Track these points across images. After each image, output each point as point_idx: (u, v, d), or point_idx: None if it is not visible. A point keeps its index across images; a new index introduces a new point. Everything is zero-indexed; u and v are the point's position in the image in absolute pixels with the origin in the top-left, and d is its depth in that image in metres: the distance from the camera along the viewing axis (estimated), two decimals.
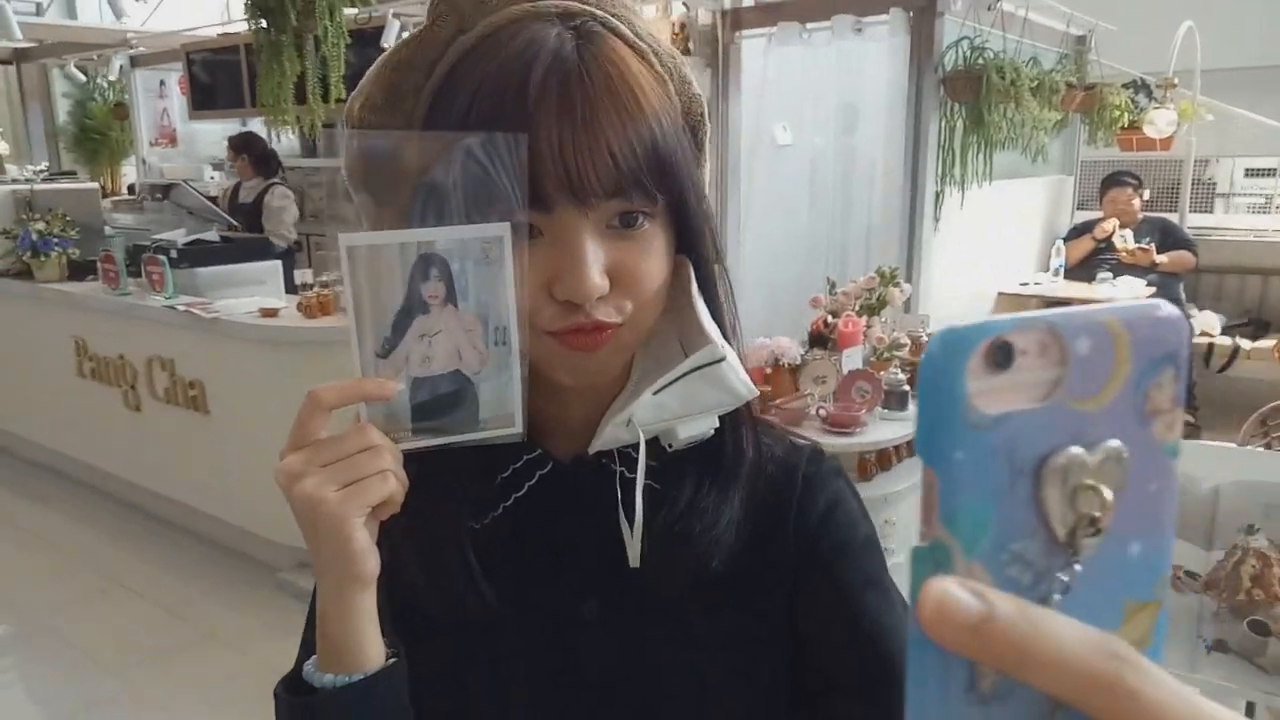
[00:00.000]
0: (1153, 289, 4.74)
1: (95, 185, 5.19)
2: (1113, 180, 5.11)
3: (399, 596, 0.62)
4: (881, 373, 2.81)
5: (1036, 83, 4.08)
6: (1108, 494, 0.24)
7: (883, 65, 3.96)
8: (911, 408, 2.78)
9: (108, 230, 4.61)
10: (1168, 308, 0.25)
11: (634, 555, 0.61)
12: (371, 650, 0.57)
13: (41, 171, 5.24)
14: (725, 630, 0.66)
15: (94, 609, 3.29)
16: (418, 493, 0.60)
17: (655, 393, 0.60)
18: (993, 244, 4.66)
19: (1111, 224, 4.93)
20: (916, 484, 2.52)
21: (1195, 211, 5.74)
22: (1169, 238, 4.95)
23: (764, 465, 0.67)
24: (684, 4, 4.50)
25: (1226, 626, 1.16)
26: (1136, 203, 5.04)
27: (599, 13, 0.58)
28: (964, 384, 0.23)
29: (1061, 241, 5.08)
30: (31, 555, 3.76)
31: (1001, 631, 0.22)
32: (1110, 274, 4.86)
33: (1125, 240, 4.88)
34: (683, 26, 4.47)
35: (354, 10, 3.25)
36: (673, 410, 0.61)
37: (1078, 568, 0.24)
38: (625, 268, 0.57)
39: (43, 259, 4.11)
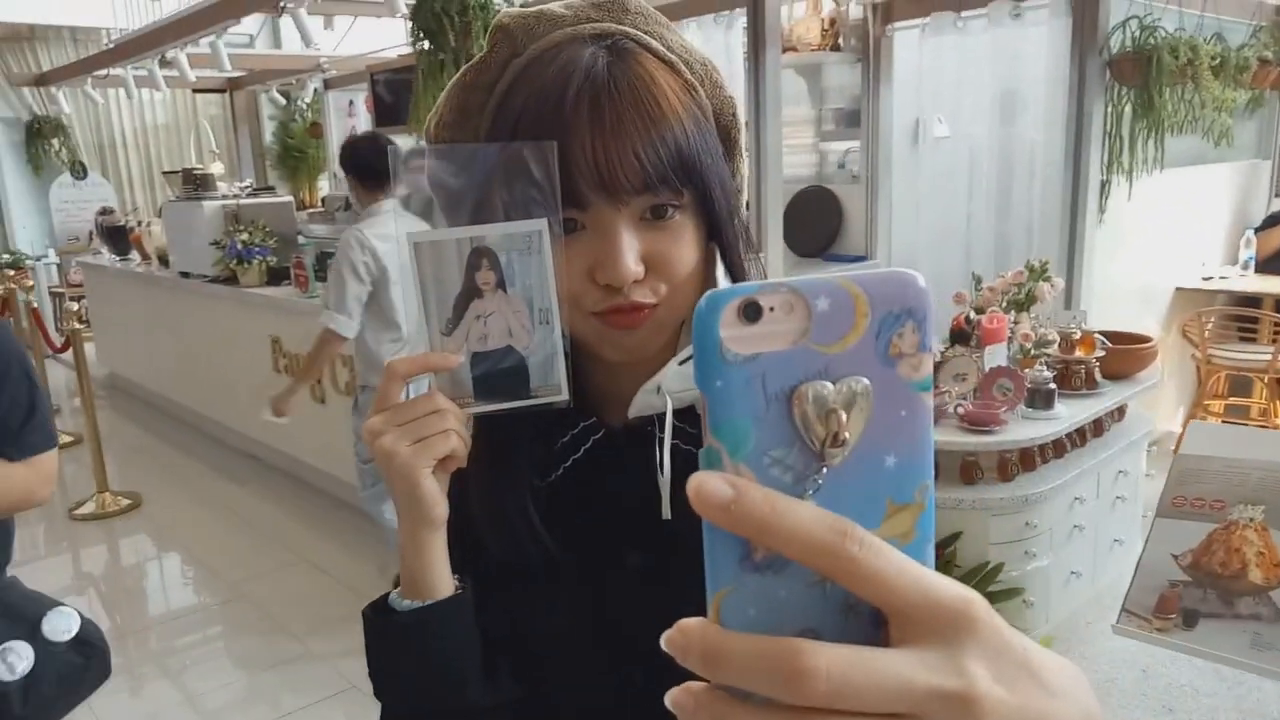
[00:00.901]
0: None
1: (290, 199, 5.73)
2: None
3: (469, 544, 0.72)
4: (1027, 370, 2.72)
5: (1219, 60, 3.79)
6: (844, 415, 0.30)
7: (1043, 50, 3.80)
8: (1059, 407, 2.68)
9: (301, 239, 5.08)
10: (905, 273, 0.30)
11: (666, 508, 0.68)
12: (442, 583, 0.68)
13: (246, 187, 5.85)
14: None
15: (284, 581, 3.67)
16: (489, 454, 0.71)
17: (681, 363, 0.68)
18: (1170, 236, 4.35)
19: None
20: (1062, 485, 2.44)
21: None
22: None
23: None
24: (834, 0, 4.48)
25: None
26: None
27: (632, 31, 0.67)
28: (717, 331, 0.30)
29: (1252, 232, 4.67)
30: (232, 531, 4.23)
31: (745, 510, 0.29)
32: None
33: None
34: (833, 22, 4.44)
35: None
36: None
37: (825, 471, 0.30)
38: (658, 254, 0.65)
39: (246, 266, 4.61)
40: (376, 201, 3.01)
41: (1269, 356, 4.15)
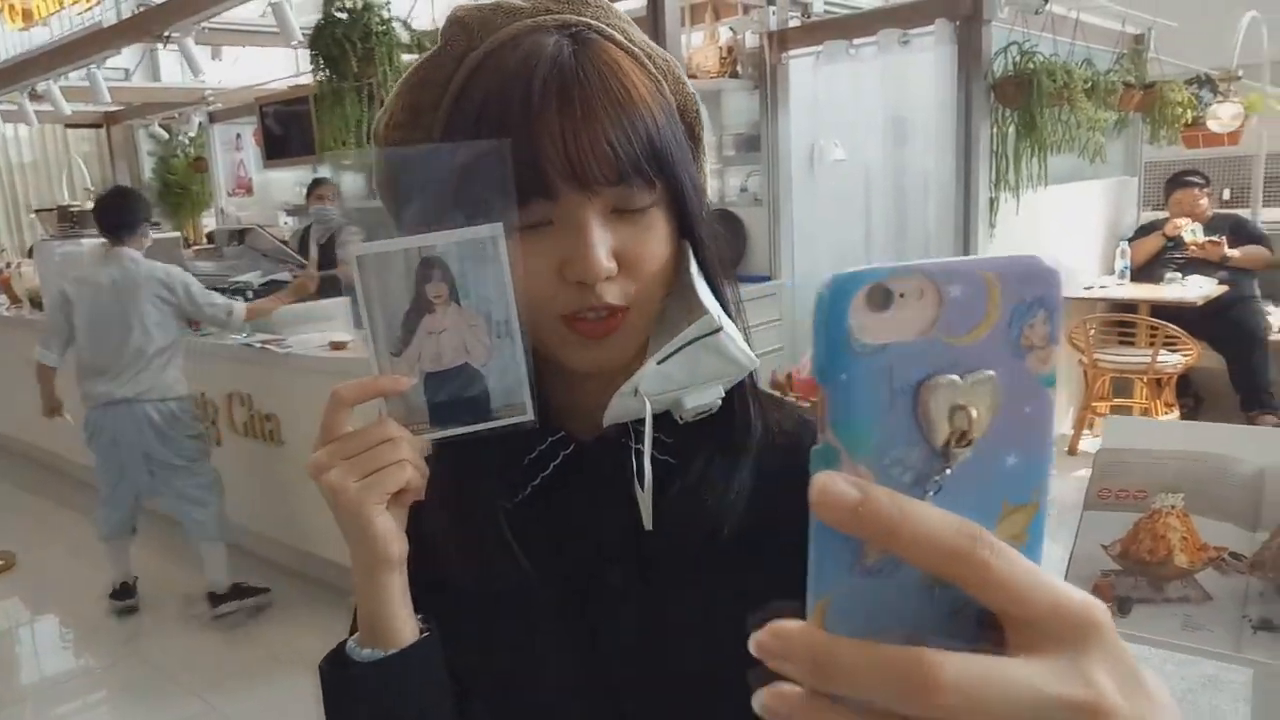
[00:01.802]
0: (1225, 286, 4.60)
1: (177, 234, 5.48)
2: (1177, 181, 4.98)
3: (426, 582, 0.66)
4: None
5: (1090, 84, 4.03)
6: (974, 412, 0.28)
7: (930, 75, 3.97)
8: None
9: None
10: (1040, 260, 0.29)
11: (646, 518, 0.65)
12: (404, 627, 0.62)
13: None
14: (741, 594, 0.69)
15: (175, 634, 3.46)
16: (452, 475, 0.66)
17: (659, 363, 0.63)
18: (1053, 248, 4.58)
19: (1184, 221, 4.80)
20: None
21: (1270, 205, 5.55)
22: (1241, 233, 4.80)
23: (774, 439, 0.71)
24: (730, 29, 4.59)
25: (1273, 606, 1.15)
26: (1204, 202, 4.91)
27: (594, 23, 0.64)
28: (846, 319, 0.28)
29: (1125, 243, 4.96)
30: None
31: (873, 513, 0.27)
32: (1179, 273, 4.73)
33: (1194, 233, 4.75)
34: (730, 50, 4.55)
35: (412, 56, 3.41)
36: (678, 380, 0.64)
37: (948, 472, 0.28)
38: (630, 250, 0.62)
39: None
40: (116, 249, 3.38)
41: (1147, 359, 4.40)
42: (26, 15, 5.93)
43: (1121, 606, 1.25)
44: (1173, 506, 1.29)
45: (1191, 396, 4.97)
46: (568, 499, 0.69)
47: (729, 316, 0.66)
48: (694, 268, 0.65)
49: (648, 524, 0.65)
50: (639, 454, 0.65)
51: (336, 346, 3.40)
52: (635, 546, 0.67)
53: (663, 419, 0.65)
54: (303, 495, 3.61)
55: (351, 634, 0.73)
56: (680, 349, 0.63)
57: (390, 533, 0.59)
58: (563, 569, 0.68)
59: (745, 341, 0.65)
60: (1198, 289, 4.56)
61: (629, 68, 0.62)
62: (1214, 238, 4.71)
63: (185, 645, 3.37)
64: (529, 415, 0.60)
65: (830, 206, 4.50)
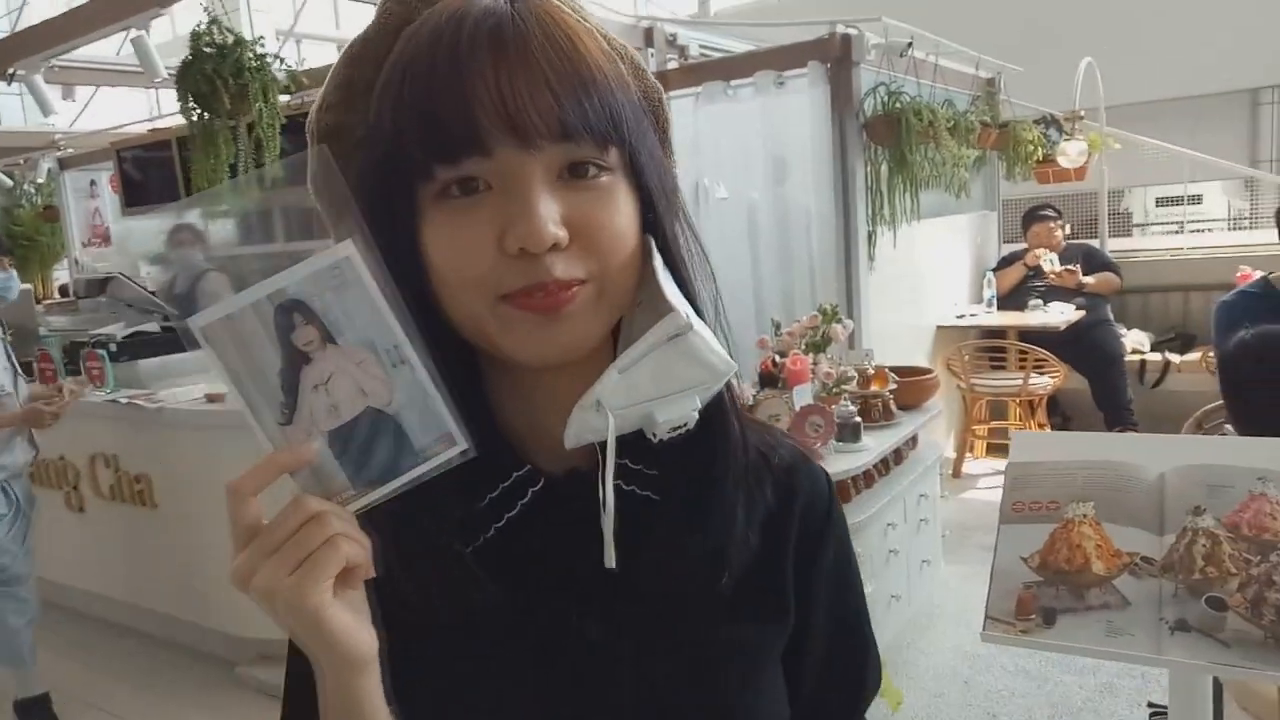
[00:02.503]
0: (1082, 311, 4.92)
1: (28, 286, 5.09)
2: (1033, 215, 5.33)
3: (395, 629, 0.57)
4: (833, 406, 2.86)
5: (953, 123, 4.27)
6: None
7: (806, 115, 4.11)
8: (865, 439, 2.83)
9: (42, 331, 4.51)
10: None
11: (609, 555, 0.58)
12: None
13: None
14: (733, 643, 0.64)
15: None
16: (404, 528, 0.57)
17: (621, 371, 0.56)
18: (927, 279, 4.80)
19: (1042, 252, 5.12)
20: (876, 513, 2.55)
21: (1114, 236, 6.00)
22: (1093, 262, 5.16)
23: (768, 463, 0.66)
24: None
25: (1186, 606, 1.20)
26: (1059, 234, 5.26)
27: None
28: None
29: (991, 273, 5.26)
30: None
31: None
32: (1041, 300, 5.03)
33: (1052, 263, 5.07)
34: None
35: (288, 96, 3.29)
36: (645, 391, 0.56)
37: None
38: (583, 218, 0.53)
39: None
40: None
41: (1019, 382, 4.65)
42: None
43: (1047, 617, 1.28)
44: (1084, 515, 1.34)
45: (1060, 415, 5.27)
46: (537, 542, 0.60)
47: (704, 316, 0.60)
48: (658, 261, 0.58)
49: (609, 561, 0.58)
50: (618, 490, 0.58)
51: (214, 398, 3.21)
52: (613, 595, 0.60)
53: (641, 446, 0.59)
54: (182, 561, 3.37)
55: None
56: (646, 354, 0.56)
57: (349, 626, 0.50)
58: (533, 621, 0.60)
59: (722, 345, 0.59)
60: (1059, 314, 4.86)
61: (576, 26, 0.55)
62: (1070, 266, 5.04)
63: None
64: (462, 444, 0.52)
65: (716, 244, 4.57)
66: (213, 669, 3.28)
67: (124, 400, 3.39)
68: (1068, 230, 5.44)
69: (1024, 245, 5.33)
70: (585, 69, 0.53)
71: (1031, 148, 5.01)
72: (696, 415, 0.58)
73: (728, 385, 0.61)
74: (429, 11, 0.57)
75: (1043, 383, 4.70)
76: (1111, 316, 5.12)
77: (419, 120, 0.52)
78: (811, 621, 0.69)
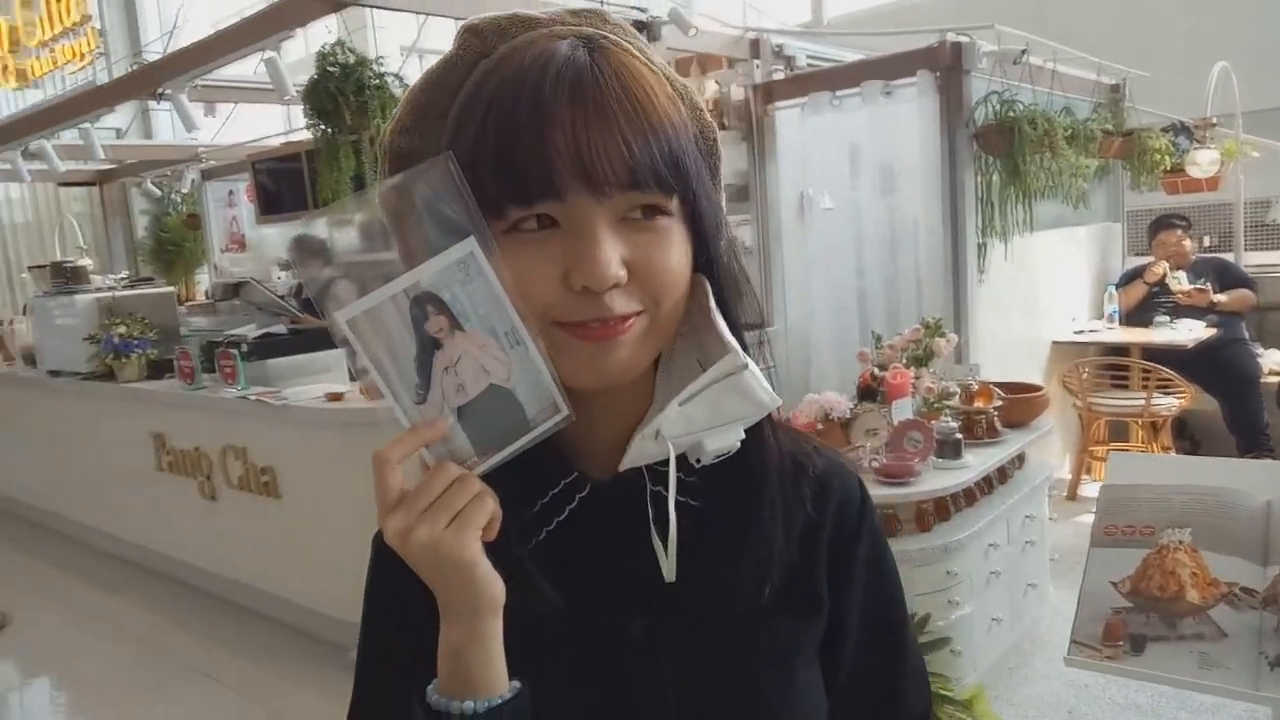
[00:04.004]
0: (1214, 329, 4.65)
1: (171, 289, 5.48)
2: (1160, 223, 5.07)
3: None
4: (934, 422, 2.81)
5: (1071, 131, 4.12)
6: None
7: (914, 125, 4.04)
8: (966, 456, 2.77)
9: (184, 331, 4.85)
10: None
11: (668, 571, 0.62)
12: (502, 674, 0.60)
13: (123, 279, 5.56)
14: (772, 644, 0.68)
15: (171, 694, 3.38)
16: None
17: (681, 404, 0.61)
18: (1042, 293, 4.64)
19: (1162, 267, 4.87)
20: (977, 532, 2.49)
21: (1254, 250, 5.64)
22: (1226, 277, 4.87)
23: (804, 472, 0.69)
24: (716, 82, 4.67)
25: None
26: (1187, 244, 4.98)
27: (611, 35, 0.62)
28: None
29: (1114, 288, 5.03)
30: (112, 645, 3.88)
31: None
32: (1167, 316, 4.78)
33: (1179, 282, 4.82)
34: (716, 103, 4.63)
35: None
36: (700, 422, 0.61)
37: None
38: (644, 258, 0.58)
39: (124, 360, 4.35)
40: None
41: (1142, 402, 4.43)
42: (21, 75, 6.01)
43: (1135, 644, 1.23)
44: (1181, 542, 1.29)
45: (1188, 439, 4.99)
46: (584, 546, 0.65)
47: (748, 352, 0.63)
48: (712, 302, 0.62)
49: (669, 576, 0.62)
50: (660, 498, 0.62)
51: (333, 398, 3.39)
52: (656, 596, 0.64)
53: (682, 456, 0.63)
54: (303, 549, 3.57)
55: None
56: (704, 389, 0.61)
57: (491, 571, 0.57)
58: (580, 621, 0.64)
59: (768, 381, 0.63)
60: (1188, 332, 4.61)
61: (647, 75, 0.59)
62: (1200, 284, 4.77)
63: (186, 706, 3.29)
64: (565, 411, 0.59)
65: (821, 254, 4.55)
66: (325, 652, 3.45)
67: (253, 397, 3.61)
68: (1205, 243, 5.15)
69: (1150, 257, 5.07)
70: (655, 119, 0.57)
71: (1159, 156, 4.78)
72: (739, 444, 0.63)
73: None
74: (507, 48, 0.60)
75: (1167, 404, 4.46)
76: (1247, 335, 4.82)
77: (497, 161, 0.56)
78: (845, 620, 0.72)
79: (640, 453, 0.62)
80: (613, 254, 0.56)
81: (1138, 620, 1.27)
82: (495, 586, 0.57)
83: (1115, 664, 1.23)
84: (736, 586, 0.64)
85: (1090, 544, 1.36)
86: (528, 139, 0.55)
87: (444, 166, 0.55)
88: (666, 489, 0.62)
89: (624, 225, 0.58)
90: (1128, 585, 1.29)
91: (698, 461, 0.63)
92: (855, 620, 0.72)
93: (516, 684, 0.60)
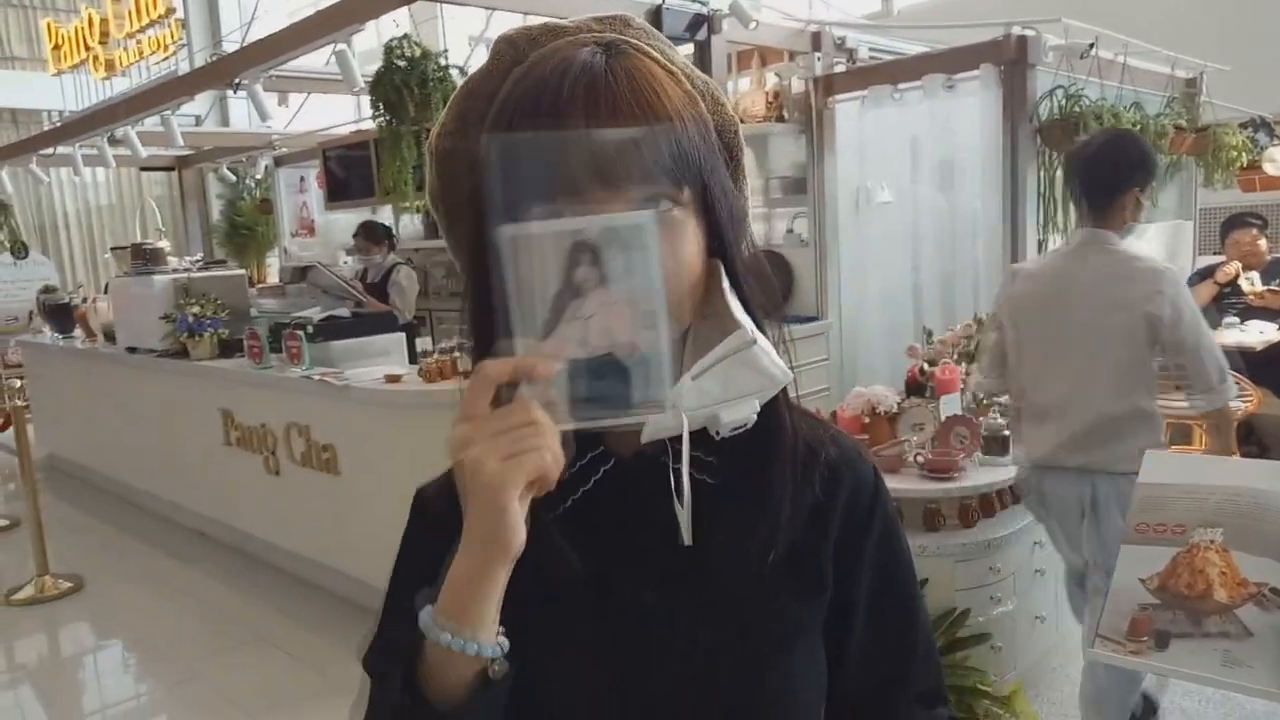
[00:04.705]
0: None
1: (242, 271, 5.69)
2: (1235, 222, 4.92)
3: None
4: (981, 418, 2.80)
5: (1139, 127, 4.02)
6: None
7: (976, 119, 4.00)
8: (1014, 453, 2.75)
9: (253, 312, 5.04)
10: None
11: (686, 533, 0.65)
12: (492, 625, 0.61)
13: (197, 261, 5.80)
14: (779, 615, 0.72)
15: (237, 660, 3.54)
16: None
17: (694, 378, 0.64)
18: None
19: (1234, 266, 4.73)
20: (1021, 530, 2.48)
21: None
22: None
23: (816, 458, 0.73)
24: (776, 74, 4.67)
25: None
26: (1263, 244, 4.83)
27: (632, 41, 0.67)
28: None
29: None
30: (179, 611, 4.08)
31: None
32: (1238, 318, 4.65)
33: (1252, 283, 4.68)
34: (776, 95, 4.63)
35: None
36: (713, 395, 0.64)
37: None
38: None
39: (197, 339, 4.54)
40: None
41: None
42: (109, 65, 6.27)
43: (1159, 640, 1.24)
44: (1211, 541, 1.28)
45: (1255, 444, 4.85)
46: (607, 515, 0.69)
47: (763, 331, 0.67)
48: (725, 283, 0.66)
49: (686, 539, 0.65)
50: (677, 472, 0.65)
51: (392, 380, 3.51)
52: (673, 569, 0.67)
53: (702, 436, 0.66)
54: (360, 525, 3.70)
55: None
56: (715, 364, 0.64)
57: (520, 523, 0.57)
58: (599, 586, 0.68)
59: (779, 355, 0.66)
60: (1258, 334, 4.48)
61: (661, 77, 0.64)
62: (1274, 286, 4.62)
63: (248, 671, 3.45)
64: (665, 412, 0.58)
65: (877, 248, 4.53)
66: None
67: (316, 377, 3.75)
68: (1276, 241, 4.98)
69: (1222, 257, 4.93)
70: (668, 121, 0.62)
71: (1235, 153, 4.64)
72: (755, 417, 0.67)
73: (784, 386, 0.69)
74: (535, 55, 0.66)
75: (1234, 407, 4.33)
76: None
77: (522, 161, 0.60)
78: (855, 604, 0.75)
79: (658, 425, 0.64)
80: None
81: (1164, 617, 1.26)
82: (517, 536, 0.57)
83: (1138, 658, 1.24)
84: (746, 555, 0.68)
85: (1121, 541, 1.36)
86: (547, 139, 0.60)
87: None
88: (681, 461, 0.66)
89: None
90: (1156, 582, 1.29)
91: (717, 434, 0.66)
92: (864, 598, 0.76)
93: (497, 643, 0.61)
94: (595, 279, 0.56)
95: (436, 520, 0.62)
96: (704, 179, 0.64)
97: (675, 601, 0.69)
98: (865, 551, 0.75)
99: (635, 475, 0.69)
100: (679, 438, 0.65)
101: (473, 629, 0.59)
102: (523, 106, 0.63)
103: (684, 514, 0.65)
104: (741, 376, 0.65)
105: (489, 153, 0.62)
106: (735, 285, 0.67)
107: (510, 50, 0.69)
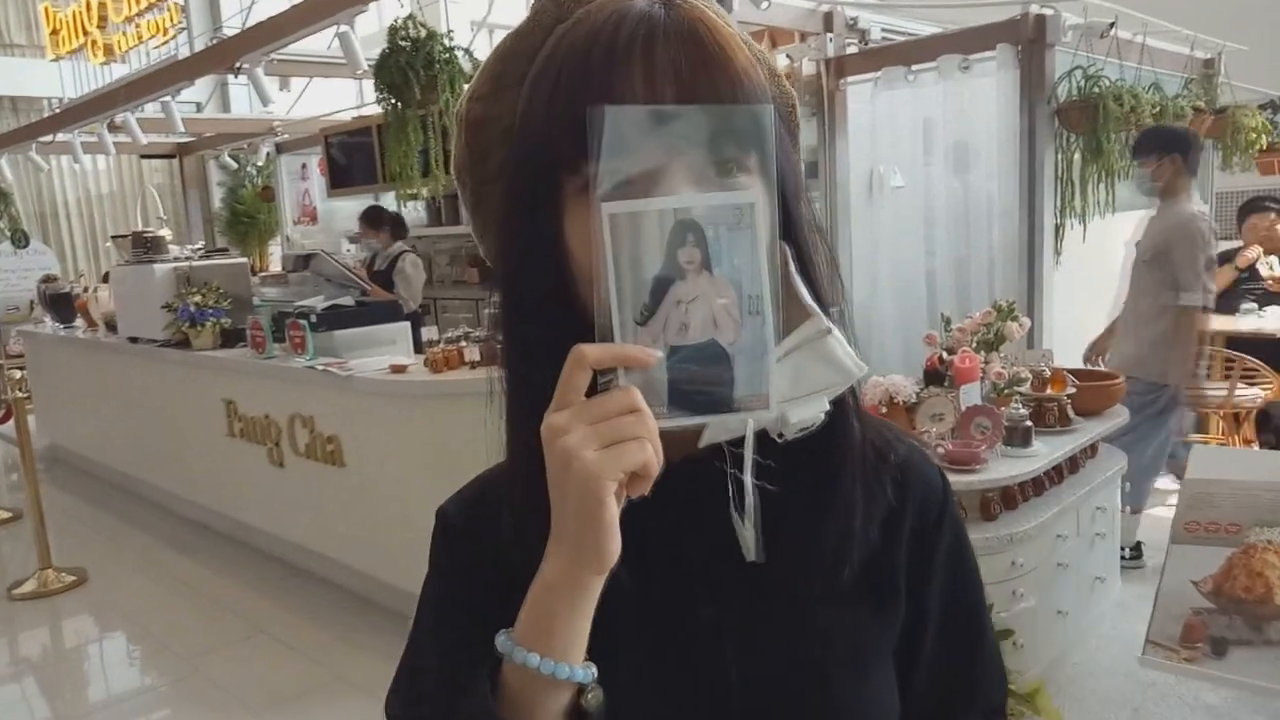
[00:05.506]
0: None
1: (244, 259, 5.62)
2: (1252, 206, 4.83)
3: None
4: (1003, 408, 2.72)
5: (1159, 108, 3.93)
6: None
7: (992, 101, 3.90)
8: (1036, 444, 2.68)
9: (256, 301, 4.97)
10: None
11: (749, 551, 0.58)
12: (584, 645, 0.55)
13: (199, 249, 5.72)
14: (846, 635, 0.65)
15: (239, 654, 3.49)
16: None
17: None
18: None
19: (1255, 251, 4.65)
20: (1044, 523, 2.41)
21: None
22: None
23: (885, 460, 0.66)
24: (787, 56, 4.58)
25: None
26: None
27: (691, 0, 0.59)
28: None
29: None
30: (183, 604, 4.03)
31: None
32: (1255, 304, 4.57)
33: (1272, 268, 4.60)
34: (787, 77, 4.54)
35: None
36: (781, 392, 0.57)
37: None
38: None
39: (199, 328, 4.48)
40: None
41: (1224, 392, 4.24)
42: (108, 50, 6.20)
43: (1217, 648, 1.17)
44: (1269, 542, 1.22)
45: (1272, 433, 4.77)
46: (657, 527, 0.61)
47: (833, 320, 0.59)
48: (794, 268, 0.58)
49: (750, 556, 0.57)
50: (739, 480, 0.57)
51: (397, 370, 3.44)
52: (727, 580, 0.62)
53: (762, 438, 0.58)
54: (366, 518, 3.64)
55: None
56: (785, 356, 0.56)
57: (615, 524, 0.51)
58: (651, 603, 0.62)
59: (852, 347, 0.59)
60: (1277, 320, 4.40)
61: (725, 33, 0.57)
62: None
63: (251, 664, 3.40)
64: (771, 411, 0.53)
65: (890, 232, 4.44)
66: (386, 618, 3.53)
67: (320, 367, 3.69)
68: None
69: (1238, 243, 4.84)
70: (734, 75, 0.55)
71: (1254, 135, 4.54)
72: (824, 416, 0.59)
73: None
74: (583, 11, 0.59)
75: (1251, 395, 4.27)
76: None
77: (571, 119, 0.53)
78: (926, 611, 0.69)
79: (720, 427, 0.56)
80: None
81: (1220, 622, 1.21)
82: (613, 541, 0.51)
83: (1194, 667, 1.18)
84: (814, 568, 0.62)
85: (1170, 540, 1.30)
86: (600, 94, 0.53)
87: (766, 117, 0.53)
88: (741, 470, 0.58)
89: (701, 184, 0.54)
90: (1210, 585, 1.23)
91: (780, 436, 0.58)
92: (936, 611, 0.70)
93: (593, 668, 0.56)
94: (699, 260, 0.52)
95: (461, 539, 0.55)
96: (771, 146, 0.56)
97: (734, 615, 0.63)
98: (936, 559, 0.69)
99: (687, 481, 0.60)
100: (735, 440, 0.57)
101: (563, 648, 0.53)
102: (570, 60, 0.56)
103: (747, 528, 0.57)
104: (813, 370, 0.57)
105: (532, 110, 0.56)
106: (802, 267, 0.59)
107: (553, 6, 0.61)
